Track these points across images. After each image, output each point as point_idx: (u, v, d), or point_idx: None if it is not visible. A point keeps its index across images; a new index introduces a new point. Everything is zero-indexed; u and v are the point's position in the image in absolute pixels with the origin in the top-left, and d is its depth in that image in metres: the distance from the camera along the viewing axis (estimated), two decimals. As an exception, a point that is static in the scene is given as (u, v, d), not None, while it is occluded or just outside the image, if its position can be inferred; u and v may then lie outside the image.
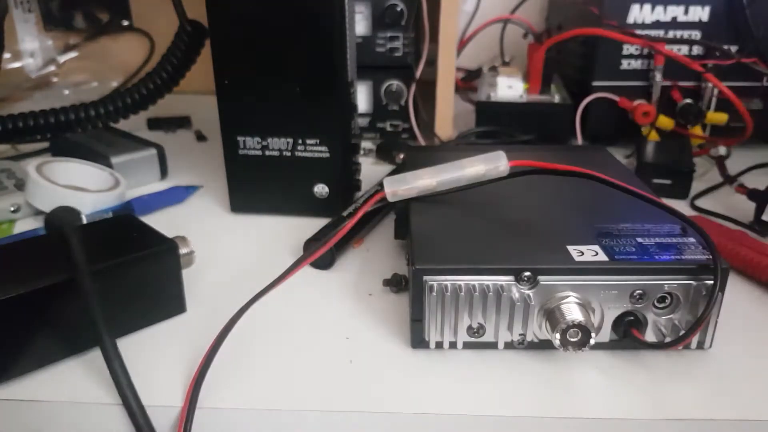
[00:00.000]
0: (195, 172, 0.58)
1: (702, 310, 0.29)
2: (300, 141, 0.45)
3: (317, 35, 0.42)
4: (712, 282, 0.29)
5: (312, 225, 0.44)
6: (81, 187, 0.47)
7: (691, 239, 0.32)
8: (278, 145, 0.45)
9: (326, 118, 0.44)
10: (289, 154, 0.45)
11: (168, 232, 0.35)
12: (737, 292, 0.37)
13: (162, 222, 0.40)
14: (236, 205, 0.48)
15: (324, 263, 0.40)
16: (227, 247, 0.43)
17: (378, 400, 0.28)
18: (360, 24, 0.60)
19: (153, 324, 0.34)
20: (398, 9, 0.60)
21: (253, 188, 0.47)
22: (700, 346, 0.31)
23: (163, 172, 0.56)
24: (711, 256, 0.29)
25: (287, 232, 0.45)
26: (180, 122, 0.72)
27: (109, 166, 0.52)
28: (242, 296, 0.32)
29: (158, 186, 0.54)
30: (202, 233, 0.45)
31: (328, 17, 0.41)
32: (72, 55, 0.77)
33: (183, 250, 0.35)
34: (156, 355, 0.32)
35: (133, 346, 0.32)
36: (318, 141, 0.45)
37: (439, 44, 0.60)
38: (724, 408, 0.28)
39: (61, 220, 0.40)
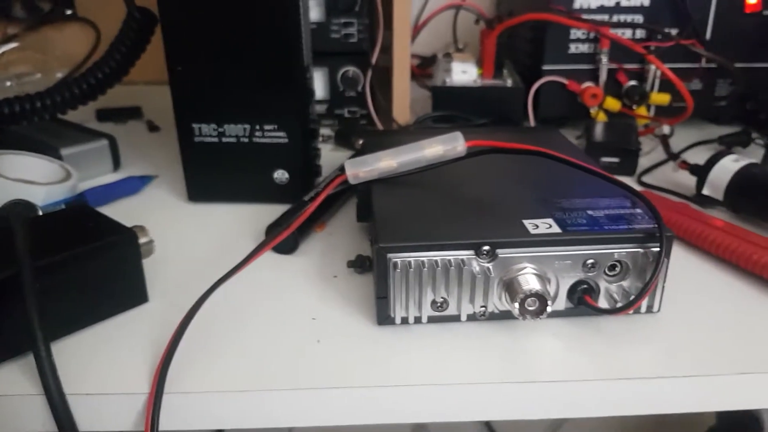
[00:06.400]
0: (149, 162, 0.57)
1: (649, 276, 0.31)
2: (258, 127, 0.45)
3: (272, 19, 0.42)
4: (658, 249, 0.31)
5: (273, 211, 0.43)
6: (31, 180, 0.45)
7: (638, 210, 0.33)
8: (235, 131, 0.45)
9: (284, 104, 0.44)
10: (246, 140, 0.45)
11: (125, 223, 0.34)
12: (682, 259, 0.39)
13: (118, 213, 0.39)
14: (194, 194, 0.48)
15: (287, 248, 0.40)
16: (187, 236, 0.43)
17: (346, 377, 0.29)
18: (313, 10, 0.60)
19: (116, 314, 0.33)
20: (351, -5, 0.60)
21: (211, 176, 0.47)
22: (650, 309, 0.33)
23: (116, 164, 0.55)
24: (657, 225, 0.31)
25: (248, 219, 0.45)
26: (131, 113, 0.71)
27: (59, 158, 0.51)
28: (205, 284, 0.32)
29: (111, 177, 0.52)
30: (161, 223, 0.44)
31: (283, 0, 0.41)
32: (12, 45, 0.74)
33: (142, 240, 0.34)
34: (121, 344, 0.31)
35: (97, 337, 0.32)
36: (276, 126, 0.45)
37: (393, 30, 0.60)
38: (675, 365, 0.29)
39: (10, 212, 0.39)
